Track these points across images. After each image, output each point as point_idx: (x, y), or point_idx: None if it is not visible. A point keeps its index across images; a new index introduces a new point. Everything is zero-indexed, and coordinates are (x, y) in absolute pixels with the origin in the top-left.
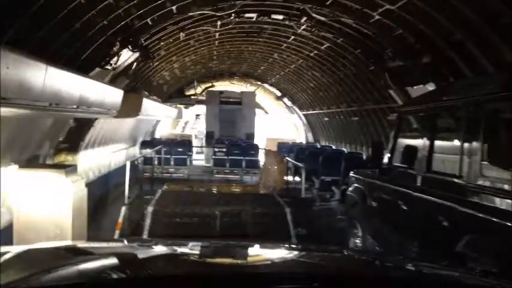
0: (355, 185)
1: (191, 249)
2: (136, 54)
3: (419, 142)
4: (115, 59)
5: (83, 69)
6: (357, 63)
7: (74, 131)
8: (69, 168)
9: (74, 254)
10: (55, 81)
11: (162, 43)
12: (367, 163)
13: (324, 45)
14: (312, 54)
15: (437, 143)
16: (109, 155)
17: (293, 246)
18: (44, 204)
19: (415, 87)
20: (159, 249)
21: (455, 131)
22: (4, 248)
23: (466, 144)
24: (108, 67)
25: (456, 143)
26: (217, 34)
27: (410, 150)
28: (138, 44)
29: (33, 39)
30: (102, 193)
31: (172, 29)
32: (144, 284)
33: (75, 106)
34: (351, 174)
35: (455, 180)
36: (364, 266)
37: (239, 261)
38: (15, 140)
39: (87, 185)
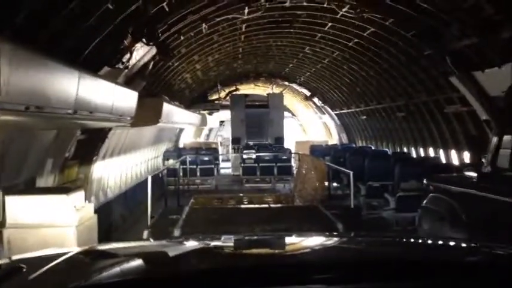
0: (436, 194)
1: (224, 242)
2: (154, 51)
3: None
4: (127, 55)
5: (86, 67)
6: (407, 49)
7: (85, 144)
8: (72, 192)
9: (105, 256)
10: (27, 73)
11: (182, 37)
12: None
13: (368, 30)
14: (350, 44)
15: None
16: (129, 168)
17: (332, 234)
18: (41, 237)
19: (487, 70)
20: (191, 244)
21: None
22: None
23: None
24: (120, 66)
25: None
26: (243, 26)
27: None
28: (155, 36)
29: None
30: (121, 214)
31: (193, 19)
32: (182, 280)
33: (70, 111)
34: (426, 181)
35: None
36: (409, 250)
37: (276, 252)
38: (6, 160)
39: (104, 206)
